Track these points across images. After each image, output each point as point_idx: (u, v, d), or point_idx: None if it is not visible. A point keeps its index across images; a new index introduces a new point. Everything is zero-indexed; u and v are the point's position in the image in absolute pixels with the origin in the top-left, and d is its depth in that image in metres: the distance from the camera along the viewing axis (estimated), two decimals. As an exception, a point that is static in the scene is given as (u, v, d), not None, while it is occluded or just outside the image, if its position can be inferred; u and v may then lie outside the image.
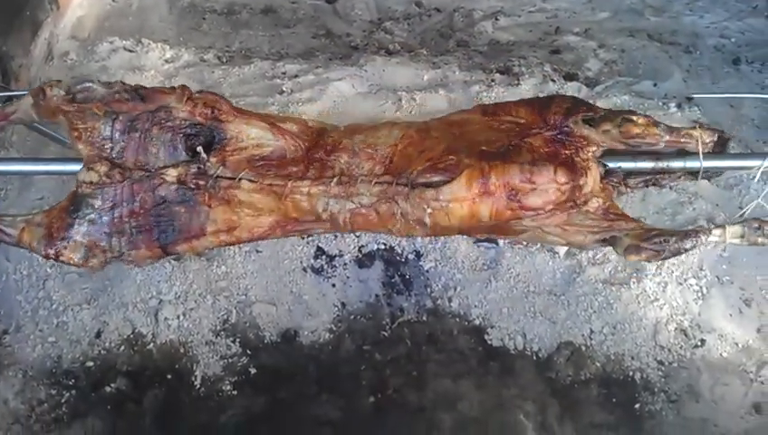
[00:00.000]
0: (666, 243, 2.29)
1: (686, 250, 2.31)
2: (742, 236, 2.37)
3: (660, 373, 3.05)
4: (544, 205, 2.36)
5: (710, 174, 2.60)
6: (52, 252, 2.37)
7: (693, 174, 2.56)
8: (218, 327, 3.16)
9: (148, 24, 4.95)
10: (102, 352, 3.08)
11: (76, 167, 2.40)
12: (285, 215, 2.47)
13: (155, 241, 2.43)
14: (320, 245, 3.34)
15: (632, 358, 3.09)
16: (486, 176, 2.33)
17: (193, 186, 2.43)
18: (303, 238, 3.34)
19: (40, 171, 2.57)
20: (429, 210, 2.37)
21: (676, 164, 2.50)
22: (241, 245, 3.28)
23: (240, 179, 2.43)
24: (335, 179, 2.44)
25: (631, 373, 3.05)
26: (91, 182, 2.39)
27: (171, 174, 2.42)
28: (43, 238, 2.38)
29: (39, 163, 2.56)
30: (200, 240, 2.48)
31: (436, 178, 2.37)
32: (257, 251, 3.30)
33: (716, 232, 2.35)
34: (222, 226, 2.47)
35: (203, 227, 2.46)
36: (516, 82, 4.30)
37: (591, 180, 2.40)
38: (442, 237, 3.32)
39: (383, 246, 3.37)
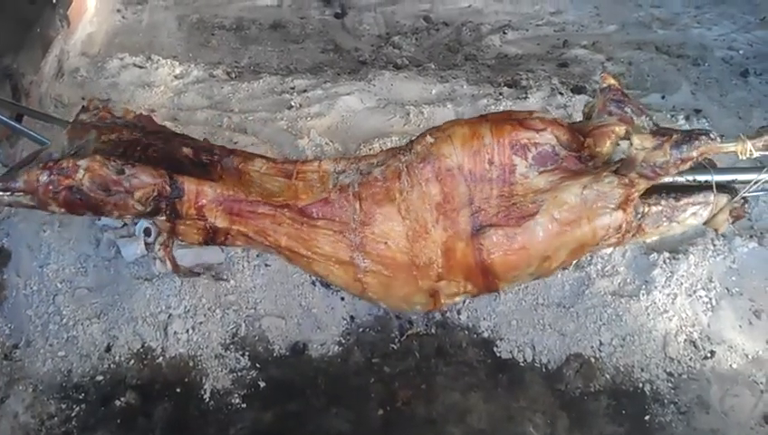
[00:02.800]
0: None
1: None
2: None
3: (670, 385, 3.04)
4: None
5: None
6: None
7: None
8: (227, 341, 3.17)
9: (157, 40, 5.00)
10: (112, 366, 3.08)
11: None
12: (295, 195, 2.49)
13: (161, 167, 2.47)
14: (328, 258, 3.35)
15: (642, 370, 3.08)
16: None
17: (206, 160, 2.49)
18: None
19: None
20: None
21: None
22: (249, 258, 3.31)
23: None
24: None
25: (641, 385, 3.04)
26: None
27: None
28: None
29: None
30: (211, 186, 2.48)
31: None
32: (266, 265, 3.31)
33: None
34: (231, 188, 2.51)
35: (215, 178, 2.53)
36: (524, 95, 4.32)
37: None
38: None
39: (392, 259, 3.37)
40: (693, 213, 2.51)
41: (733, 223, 2.54)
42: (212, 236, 2.49)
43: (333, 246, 2.51)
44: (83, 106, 2.75)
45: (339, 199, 2.54)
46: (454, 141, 2.50)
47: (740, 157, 2.45)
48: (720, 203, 2.50)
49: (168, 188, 2.44)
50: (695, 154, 2.39)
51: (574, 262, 2.55)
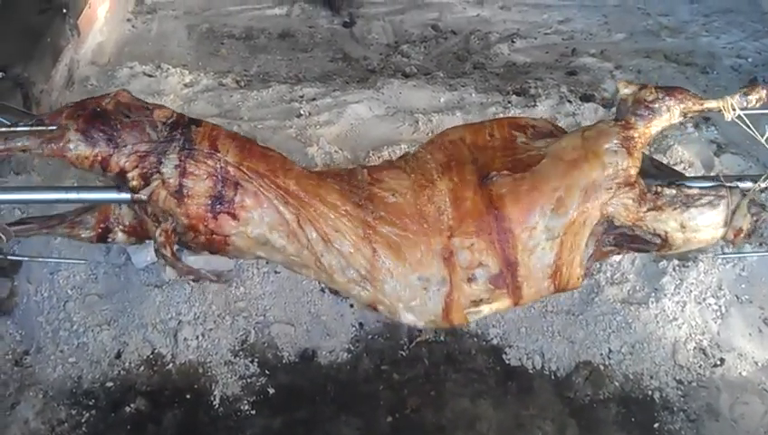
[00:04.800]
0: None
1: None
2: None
3: (679, 393, 3.03)
4: None
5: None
6: None
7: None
8: (237, 347, 3.17)
9: (167, 49, 5.03)
10: (122, 372, 3.10)
11: (125, 195, 2.40)
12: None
13: None
14: (338, 265, 3.36)
15: (651, 377, 3.08)
16: None
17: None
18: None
19: (91, 199, 2.58)
20: None
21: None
22: (259, 265, 3.32)
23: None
24: None
25: (650, 393, 3.04)
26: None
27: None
28: None
29: (88, 192, 2.56)
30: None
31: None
32: (275, 272, 3.32)
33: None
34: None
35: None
36: (533, 103, 4.33)
37: None
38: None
39: (401, 267, 3.37)
40: (709, 202, 2.50)
41: (756, 222, 2.51)
42: (222, 185, 2.40)
43: (341, 196, 2.47)
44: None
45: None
46: (456, 127, 2.65)
47: (724, 114, 2.48)
48: (734, 200, 2.50)
49: (186, 118, 2.44)
50: (678, 95, 2.47)
51: (592, 218, 2.44)
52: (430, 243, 2.43)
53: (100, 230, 2.51)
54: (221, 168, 2.36)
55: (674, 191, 2.50)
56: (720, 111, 2.50)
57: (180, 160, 2.34)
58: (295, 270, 2.52)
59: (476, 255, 2.41)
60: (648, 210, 2.45)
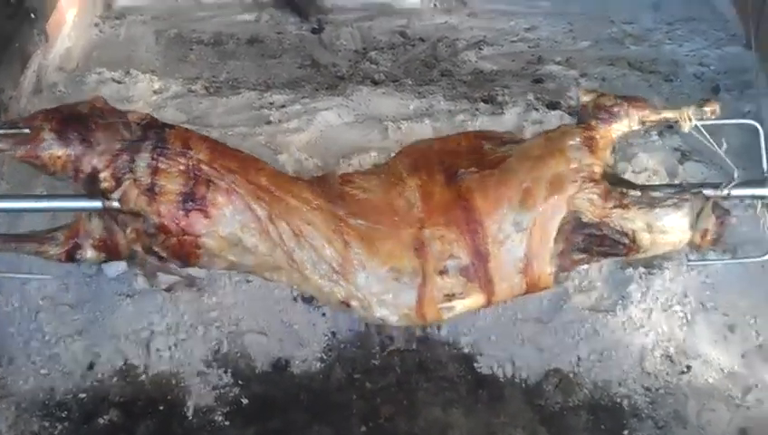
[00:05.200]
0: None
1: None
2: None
3: (647, 399, 3.09)
4: None
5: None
6: None
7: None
8: (210, 358, 3.18)
9: (135, 54, 5.01)
10: (95, 383, 3.09)
11: (96, 203, 2.40)
12: None
13: None
14: (310, 274, 3.37)
15: (619, 384, 3.13)
16: None
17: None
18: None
19: (62, 208, 2.57)
20: None
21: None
22: (231, 274, 3.32)
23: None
24: None
25: (619, 400, 3.09)
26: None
27: None
28: None
29: (59, 200, 2.55)
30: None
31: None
32: (247, 281, 3.33)
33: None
34: None
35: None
36: (500, 110, 4.38)
37: None
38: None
39: (373, 276, 3.40)
40: (674, 204, 2.56)
41: (721, 225, 2.57)
42: (194, 183, 2.41)
43: (312, 193, 2.51)
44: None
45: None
46: (424, 139, 2.87)
47: (681, 124, 2.61)
48: (698, 203, 2.57)
49: (159, 121, 2.46)
50: (637, 103, 2.61)
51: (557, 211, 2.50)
52: (401, 235, 2.50)
53: (69, 247, 2.48)
54: (193, 165, 2.39)
55: (639, 193, 2.57)
56: (677, 121, 2.62)
57: (153, 159, 2.37)
58: (266, 277, 2.53)
59: (447, 246, 2.48)
60: (614, 207, 2.52)
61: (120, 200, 2.35)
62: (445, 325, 3.30)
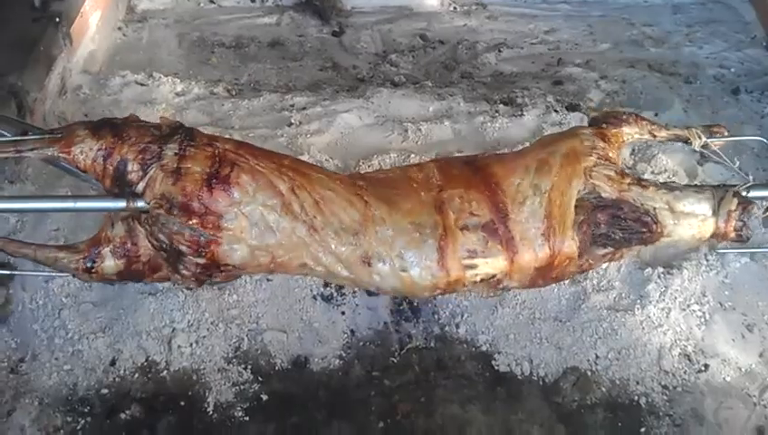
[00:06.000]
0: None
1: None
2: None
3: (665, 398, 3.09)
4: None
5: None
6: None
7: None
8: (230, 354, 3.21)
9: (158, 57, 5.07)
10: (117, 379, 3.13)
11: (120, 203, 2.43)
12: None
13: None
14: (329, 273, 3.41)
15: (637, 383, 3.14)
16: None
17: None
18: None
19: (86, 208, 2.60)
20: None
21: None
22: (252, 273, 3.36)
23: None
24: None
25: (636, 398, 3.10)
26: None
27: None
28: None
29: (84, 201, 2.58)
30: None
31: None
32: (268, 280, 3.36)
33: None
34: None
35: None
36: (520, 112, 4.39)
37: None
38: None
39: (392, 274, 3.43)
40: (695, 191, 2.60)
41: (744, 212, 2.58)
42: (218, 166, 2.43)
43: (333, 174, 2.61)
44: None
45: None
46: None
47: (692, 141, 2.72)
48: (719, 193, 2.59)
49: (185, 124, 2.53)
50: (645, 119, 2.74)
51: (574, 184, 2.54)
52: (421, 196, 2.56)
53: (88, 254, 2.51)
54: (219, 152, 2.44)
55: (658, 180, 2.62)
56: (687, 138, 2.73)
57: (180, 148, 2.42)
58: (285, 264, 2.53)
59: (467, 204, 2.53)
60: (632, 184, 2.55)
61: (145, 188, 2.39)
62: (463, 324, 3.32)
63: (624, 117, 2.72)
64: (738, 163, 2.74)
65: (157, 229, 2.40)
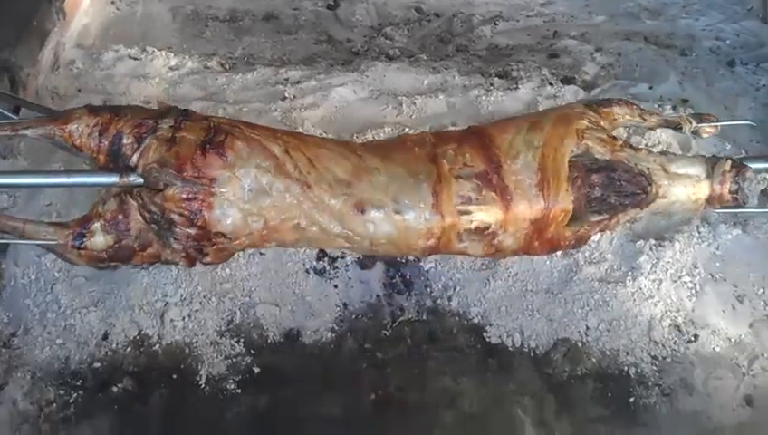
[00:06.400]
0: None
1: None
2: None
3: (654, 368, 3.11)
4: None
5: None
6: None
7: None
8: (223, 328, 3.22)
9: (151, 31, 5.05)
10: (109, 353, 3.14)
11: (113, 178, 2.43)
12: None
13: None
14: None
15: (627, 353, 3.15)
16: None
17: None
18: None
19: (79, 183, 2.59)
20: None
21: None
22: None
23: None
24: None
25: (626, 368, 3.11)
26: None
27: None
28: None
29: (76, 176, 2.57)
30: None
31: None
32: (260, 253, 3.37)
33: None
34: None
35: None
36: (515, 86, 4.38)
37: None
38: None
39: (384, 248, 3.43)
40: (688, 157, 2.69)
41: (738, 174, 2.59)
42: (213, 135, 2.43)
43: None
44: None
45: None
46: None
47: (683, 125, 2.76)
48: (712, 160, 2.64)
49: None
50: (635, 106, 2.76)
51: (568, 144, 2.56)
52: (415, 150, 2.58)
53: (78, 228, 2.48)
54: (214, 124, 2.48)
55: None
56: (678, 123, 2.77)
57: (176, 122, 2.44)
58: (278, 229, 2.51)
59: (460, 157, 2.54)
60: (624, 146, 2.56)
61: (139, 159, 2.39)
62: (455, 296, 3.33)
63: (616, 99, 2.75)
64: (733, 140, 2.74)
65: (148, 200, 2.40)
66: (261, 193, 2.43)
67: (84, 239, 2.48)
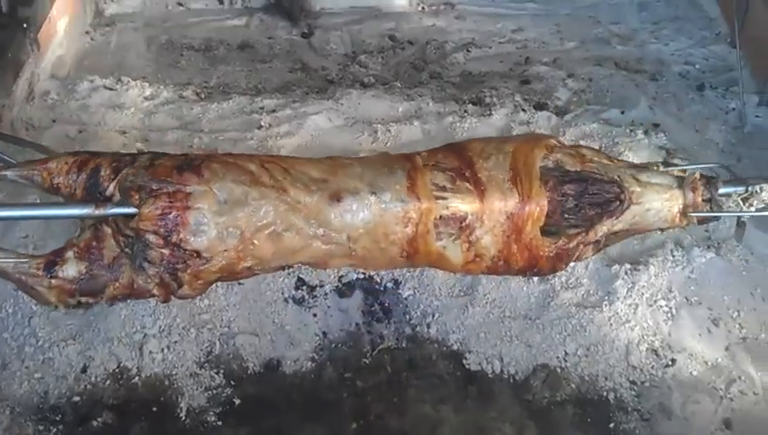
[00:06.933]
0: None
1: None
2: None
3: (633, 393, 3.13)
4: None
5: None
6: None
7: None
8: (202, 359, 3.22)
9: (126, 61, 5.06)
10: (88, 386, 3.12)
11: (88, 209, 2.40)
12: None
13: None
14: (300, 276, 3.42)
15: (606, 378, 3.17)
16: None
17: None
18: (284, 270, 3.41)
19: (54, 216, 2.56)
20: None
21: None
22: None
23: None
24: None
25: (605, 393, 3.13)
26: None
27: None
28: None
29: (52, 208, 2.54)
30: None
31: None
32: (239, 284, 3.37)
33: None
34: None
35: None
36: (489, 112, 4.43)
37: None
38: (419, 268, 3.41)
39: (362, 276, 3.45)
40: (657, 171, 2.67)
41: (708, 184, 2.60)
42: (190, 160, 2.43)
43: None
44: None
45: None
46: None
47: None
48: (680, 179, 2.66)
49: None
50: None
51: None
52: (389, 153, 2.64)
53: (49, 259, 2.42)
54: (191, 154, 2.48)
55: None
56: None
57: (153, 155, 2.44)
58: (254, 241, 2.44)
59: (433, 156, 2.58)
60: (594, 159, 2.59)
61: (115, 188, 2.37)
62: (434, 324, 3.34)
63: (585, 145, 2.81)
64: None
65: (123, 225, 2.36)
66: (237, 204, 2.39)
67: (56, 267, 2.43)
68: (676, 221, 2.63)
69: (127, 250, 2.41)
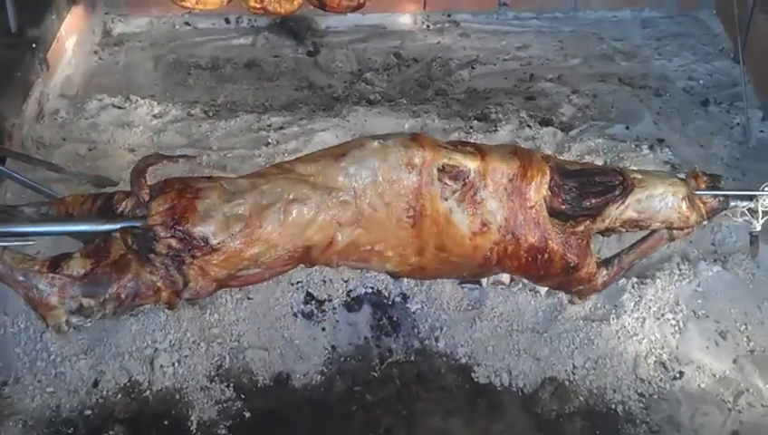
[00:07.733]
0: None
1: None
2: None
3: (641, 405, 3.14)
4: None
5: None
6: None
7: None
8: (212, 373, 3.24)
9: (134, 80, 5.11)
10: (100, 400, 3.14)
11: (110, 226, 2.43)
12: None
13: None
14: (309, 290, 3.45)
15: (614, 391, 3.19)
16: None
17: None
18: (293, 285, 3.44)
19: (74, 231, 2.57)
20: None
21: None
22: (232, 292, 3.38)
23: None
24: None
25: (613, 406, 3.15)
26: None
27: None
28: None
29: (72, 224, 2.56)
30: None
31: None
32: (248, 298, 3.40)
33: None
34: None
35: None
36: (494, 128, 4.47)
37: None
38: (427, 281, 3.43)
39: (371, 290, 3.48)
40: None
41: (711, 178, 2.57)
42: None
43: None
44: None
45: None
46: None
47: None
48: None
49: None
50: None
51: None
52: None
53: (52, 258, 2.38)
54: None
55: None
56: None
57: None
58: (261, 219, 2.38)
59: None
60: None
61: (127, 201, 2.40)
62: (442, 337, 3.36)
63: None
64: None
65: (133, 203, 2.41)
66: (242, 192, 2.39)
67: (62, 264, 2.36)
68: (684, 209, 2.58)
69: (134, 246, 2.40)
